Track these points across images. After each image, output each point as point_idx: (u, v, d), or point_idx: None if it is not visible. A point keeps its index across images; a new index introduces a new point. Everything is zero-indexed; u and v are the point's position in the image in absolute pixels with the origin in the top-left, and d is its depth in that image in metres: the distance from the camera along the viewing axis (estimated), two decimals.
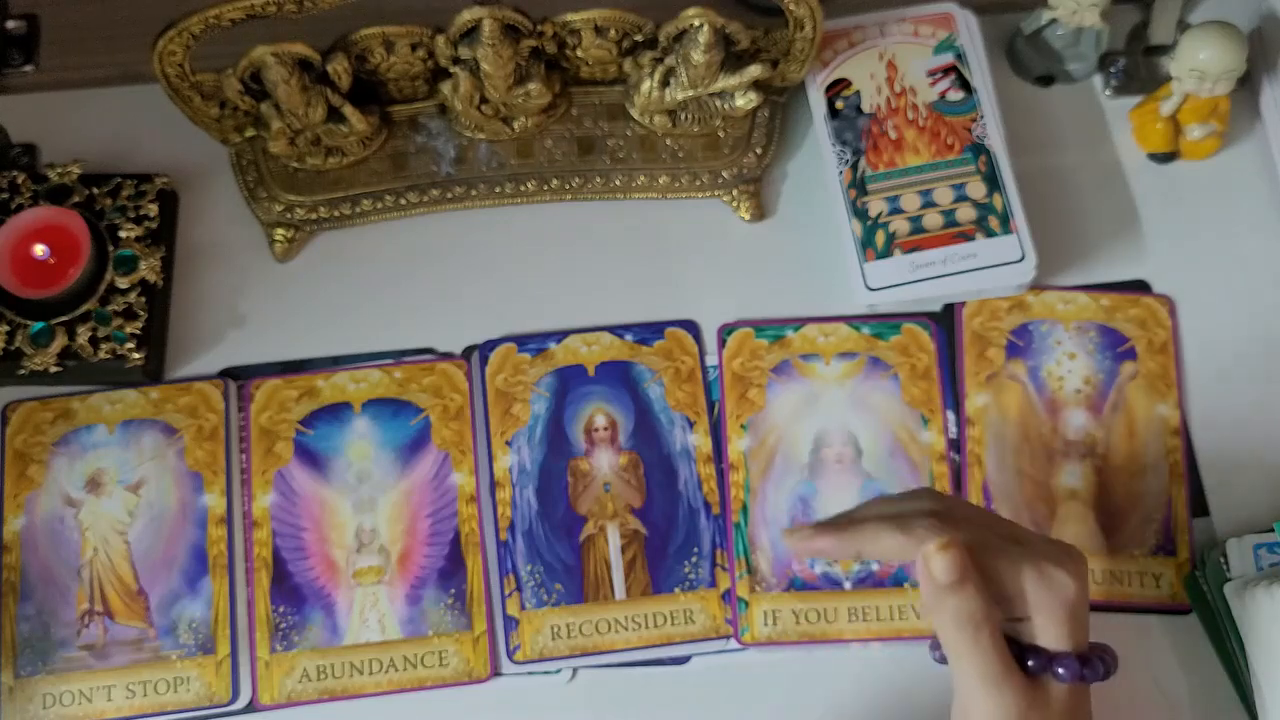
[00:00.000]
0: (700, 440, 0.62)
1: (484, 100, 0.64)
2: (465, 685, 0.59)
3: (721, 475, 0.62)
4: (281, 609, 0.59)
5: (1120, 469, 0.62)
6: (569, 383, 0.63)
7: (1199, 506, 0.62)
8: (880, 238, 0.62)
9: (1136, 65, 0.69)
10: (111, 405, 0.62)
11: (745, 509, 0.61)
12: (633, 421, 0.62)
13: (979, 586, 0.43)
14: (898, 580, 0.60)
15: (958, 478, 0.62)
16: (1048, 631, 0.45)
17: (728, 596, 0.60)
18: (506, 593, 0.60)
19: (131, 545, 0.60)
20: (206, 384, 0.63)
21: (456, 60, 0.62)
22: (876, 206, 0.63)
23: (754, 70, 0.62)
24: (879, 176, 0.63)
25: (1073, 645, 0.46)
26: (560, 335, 0.64)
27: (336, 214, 0.65)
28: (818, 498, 0.61)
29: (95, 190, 0.63)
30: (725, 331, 0.64)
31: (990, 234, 0.62)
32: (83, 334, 0.61)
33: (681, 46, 0.62)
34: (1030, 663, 0.45)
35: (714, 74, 0.62)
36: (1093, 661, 0.45)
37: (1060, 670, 0.45)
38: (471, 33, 0.60)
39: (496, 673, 0.59)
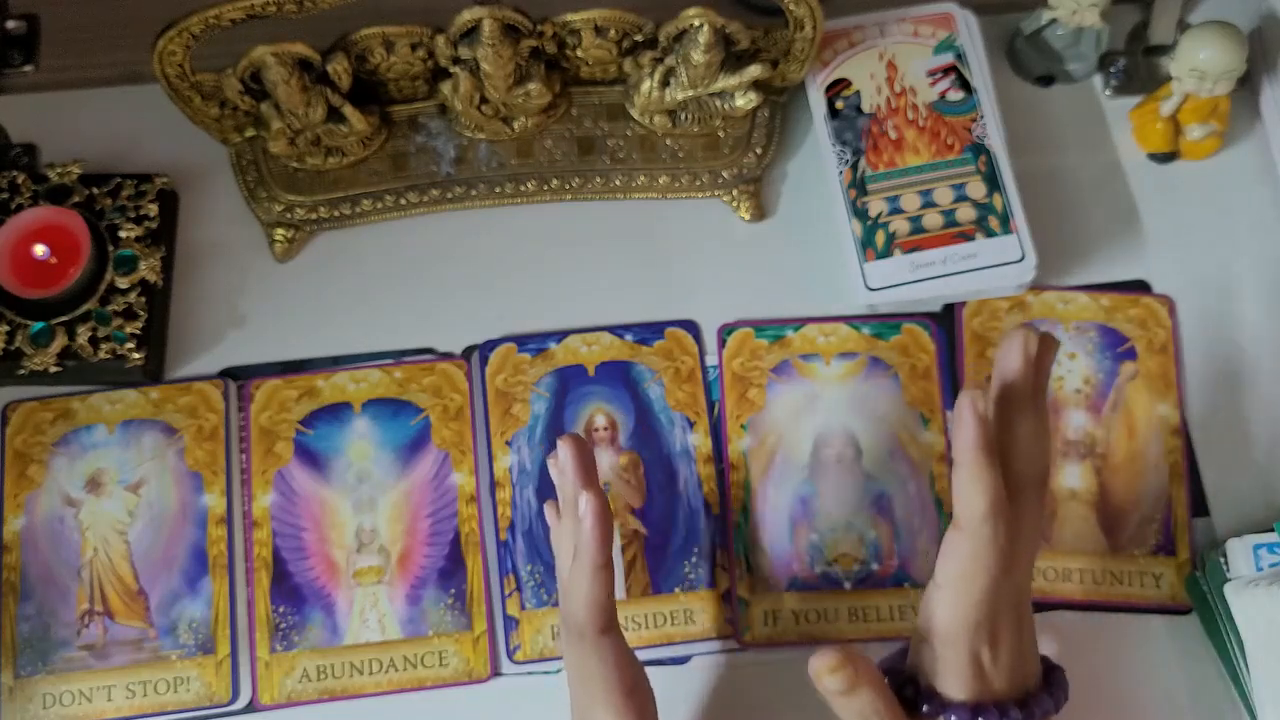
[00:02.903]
0: (700, 440, 0.62)
1: (484, 100, 0.64)
2: (465, 685, 0.59)
3: (721, 475, 0.62)
4: (281, 609, 0.59)
5: (1120, 469, 0.62)
6: (569, 383, 0.63)
7: (1199, 506, 0.62)
8: (880, 238, 0.62)
9: (1136, 65, 0.69)
10: (111, 405, 0.62)
11: (745, 509, 0.61)
12: (633, 421, 0.62)
13: (876, 686, 0.44)
14: (898, 580, 0.60)
15: None
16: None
17: (728, 596, 0.60)
18: (506, 593, 0.60)
19: (131, 545, 0.60)
20: (206, 384, 0.63)
21: (456, 60, 0.62)
22: (876, 206, 0.63)
23: (754, 70, 0.62)
24: (879, 176, 0.63)
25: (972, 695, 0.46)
26: (560, 335, 0.64)
27: (336, 214, 0.65)
28: (818, 498, 0.61)
29: (95, 190, 0.63)
30: (725, 331, 0.64)
31: (990, 234, 0.62)
32: (83, 334, 0.61)
33: (681, 46, 0.62)
34: (925, 708, 0.46)
35: (714, 74, 0.62)
36: (989, 712, 0.45)
37: None
38: (471, 33, 0.60)
39: (496, 673, 0.59)
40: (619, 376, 0.63)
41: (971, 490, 0.44)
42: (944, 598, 0.46)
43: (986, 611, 0.45)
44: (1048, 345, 0.49)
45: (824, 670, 0.44)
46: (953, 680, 0.45)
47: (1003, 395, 0.47)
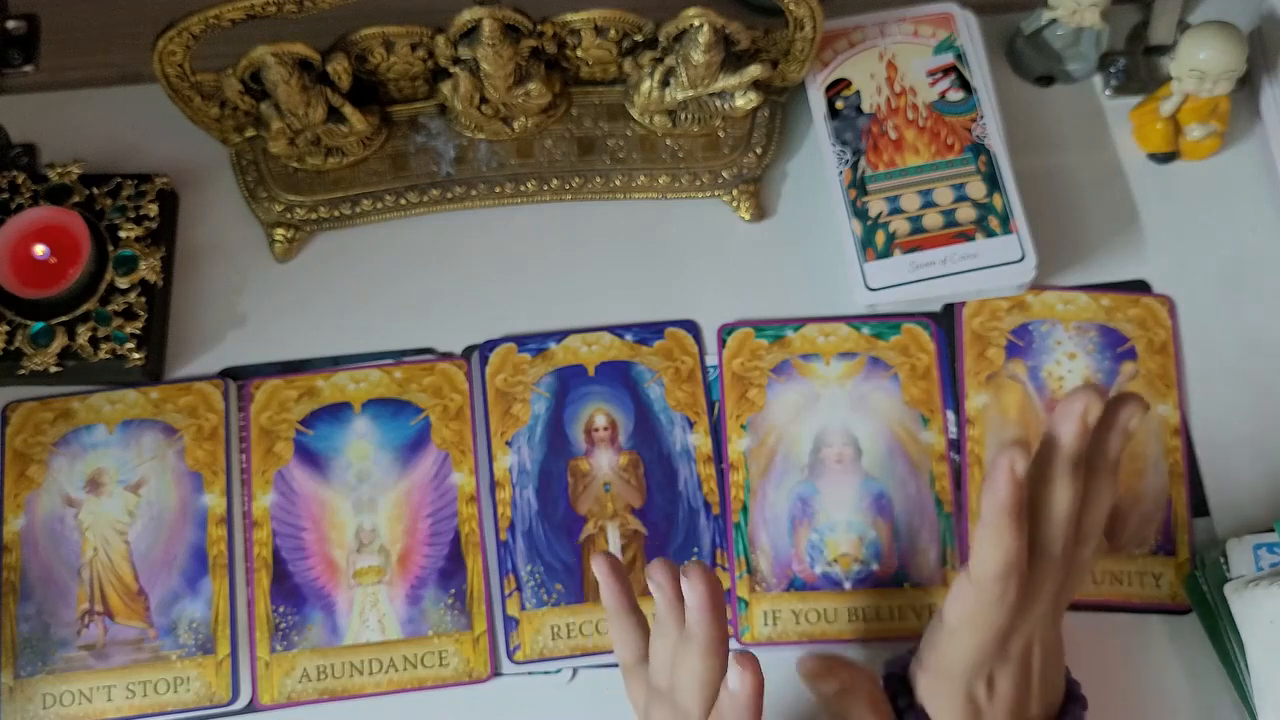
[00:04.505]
0: (700, 440, 0.62)
1: (484, 100, 0.64)
2: (465, 685, 0.59)
3: (721, 475, 0.62)
4: (281, 609, 0.59)
5: (1120, 469, 0.62)
6: (569, 383, 0.63)
7: (1199, 506, 0.62)
8: (880, 238, 0.62)
9: (1136, 65, 0.69)
10: (111, 405, 0.62)
11: (745, 509, 0.61)
12: (633, 421, 0.62)
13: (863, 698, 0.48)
14: (898, 580, 0.60)
15: (958, 478, 0.62)
16: None
17: (728, 596, 0.60)
18: (506, 593, 0.60)
19: (131, 545, 0.60)
20: (206, 384, 0.63)
21: (456, 60, 0.62)
22: (876, 206, 0.63)
23: (754, 70, 0.62)
24: (879, 176, 0.63)
25: None
26: (560, 335, 0.64)
27: (336, 214, 0.65)
28: (818, 498, 0.61)
29: (95, 190, 0.63)
30: (725, 331, 0.64)
31: (990, 234, 0.62)
32: (83, 334, 0.61)
33: (681, 46, 0.62)
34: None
35: (714, 74, 0.62)
36: None
37: None
38: (471, 33, 0.60)
39: (496, 673, 0.59)
40: (619, 376, 0.63)
41: (988, 549, 0.43)
42: (945, 637, 0.46)
43: (986, 655, 0.45)
44: (1125, 407, 0.47)
45: (804, 674, 0.47)
46: (945, 715, 0.45)
47: (1046, 456, 0.45)
